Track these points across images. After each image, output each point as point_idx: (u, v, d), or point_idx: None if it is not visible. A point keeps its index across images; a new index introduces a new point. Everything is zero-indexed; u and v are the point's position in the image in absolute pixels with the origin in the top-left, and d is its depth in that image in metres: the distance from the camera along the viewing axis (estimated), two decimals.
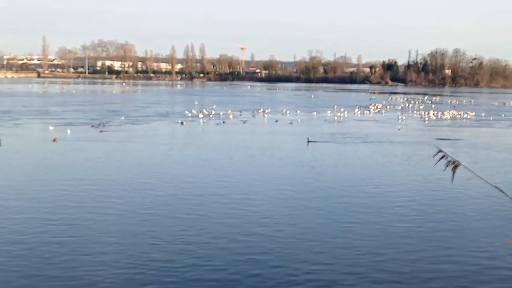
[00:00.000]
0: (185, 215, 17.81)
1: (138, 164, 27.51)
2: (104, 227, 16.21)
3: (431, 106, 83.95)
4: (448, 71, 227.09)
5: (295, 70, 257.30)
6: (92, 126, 45.29)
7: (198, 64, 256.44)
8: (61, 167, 26.17)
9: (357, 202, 20.07)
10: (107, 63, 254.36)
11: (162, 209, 18.52)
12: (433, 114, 65.24)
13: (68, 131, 38.96)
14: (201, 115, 57.41)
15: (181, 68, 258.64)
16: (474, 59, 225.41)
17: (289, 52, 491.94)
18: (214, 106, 69.85)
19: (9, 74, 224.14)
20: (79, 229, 15.98)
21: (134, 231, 15.90)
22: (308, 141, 36.84)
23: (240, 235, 15.63)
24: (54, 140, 35.52)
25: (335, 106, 74.34)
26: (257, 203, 19.68)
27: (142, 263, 13.29)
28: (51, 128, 42.52)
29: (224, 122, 51.87)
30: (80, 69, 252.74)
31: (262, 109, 66.45)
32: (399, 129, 44.73)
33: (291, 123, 51.54)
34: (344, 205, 19.58)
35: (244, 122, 51.89)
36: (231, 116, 57.23)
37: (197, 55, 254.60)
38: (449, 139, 41.32)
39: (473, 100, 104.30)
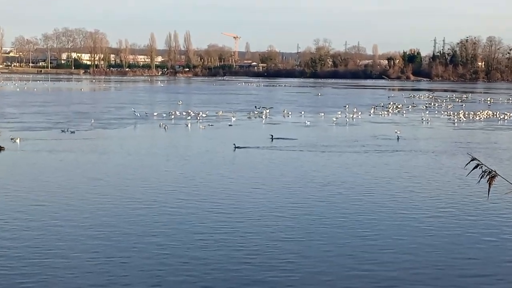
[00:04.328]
0: (159, 235, 17.85)
1: (106, 177, 27.61)
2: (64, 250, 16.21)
3: (462, 105, 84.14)
4: (481, 64, 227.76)
5: (298, 63, 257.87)
6: (62, 131, 45.16)
7: (183, 57, 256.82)
8: (8, 181, 26.08)
9: (377, 217, 20.20)
10: (74, 55, 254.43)
11: (126, 227, 18.59)
12: (464, 114, 65.34)
13: (18, 140, 38.37)
14: (186, 117, 57.36)
15: (162, 61, 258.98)
16: None
17: (292, 41, 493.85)
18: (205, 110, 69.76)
19: None
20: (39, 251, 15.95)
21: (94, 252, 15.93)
22: (235, 147, 36.78)
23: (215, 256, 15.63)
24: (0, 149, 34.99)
25: (347, 106, 74.33)
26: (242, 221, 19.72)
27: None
28: None
29: (212, 125, 51.96)
30: (41, 63, 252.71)
31: (259, 109, 66.52)
32: (396, 132, 44.66)
33: (306, 126, 51.90)
34: (362, 222, 19.73)
35: (230, 125, 52.18)
36: (231, 118, 57.11)
37: (182, 46, 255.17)
38: (484, 145, 41.38)
39: (511, 98, 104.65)
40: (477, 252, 17.05)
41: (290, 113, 65.44)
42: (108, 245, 17.17)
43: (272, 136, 42.17)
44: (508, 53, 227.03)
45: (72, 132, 44.61)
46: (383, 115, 66.65)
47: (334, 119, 57.45)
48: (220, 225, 19.37)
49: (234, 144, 37.23)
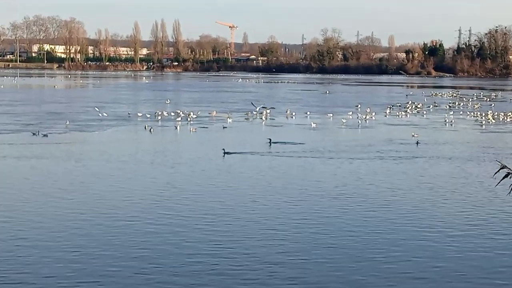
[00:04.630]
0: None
1: (83, 188, 27.58)
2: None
3: (490, 104, 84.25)
4: None
5: (303, 56, 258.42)
6: (33, 133, 45.11)
7: (171, 49, 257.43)
8: None
9: (393, 237, 20.21)
10: (46, 47, 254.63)
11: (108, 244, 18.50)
12: (493, 115, 65.31)
13: None
14: (175, 119, 57.40)
15: (148, 54, 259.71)
16: None
17: (296, 31, 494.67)
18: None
19: None
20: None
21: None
22: (225, 153, 36.93)
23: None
24: None
25: (359, 106, 74.49)
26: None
27: None
28: None
29: (205, 127, 52.12)
30: (9, 56, 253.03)
31: (259, 109, 66.59)
32: (415, 135, 44.88)
33: (313, 128, 52.32)
34: (376, 242, 19.74)
35: (224, 128, 52.43)
36: (227, 120, 57.21)
37: (170, 37, 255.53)
38: None
39: None
40: (510, 278, 16.93)
41: (294, 113, 65.42)
42: (83, 269, 16.99)
43: (270, 140, 42.13)
44: None
45: (44, 136, 44.58)
46: (400, 116, 66.64)
47: (344, 121, 57.44)
48: (212, 245, 19.18)
49: (224, 150, 37.14)
